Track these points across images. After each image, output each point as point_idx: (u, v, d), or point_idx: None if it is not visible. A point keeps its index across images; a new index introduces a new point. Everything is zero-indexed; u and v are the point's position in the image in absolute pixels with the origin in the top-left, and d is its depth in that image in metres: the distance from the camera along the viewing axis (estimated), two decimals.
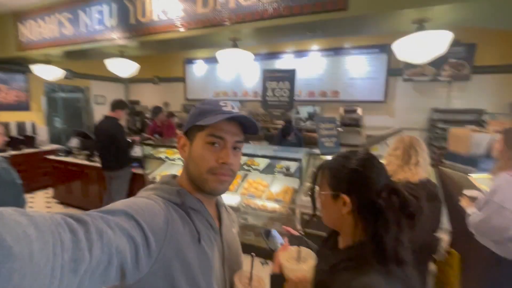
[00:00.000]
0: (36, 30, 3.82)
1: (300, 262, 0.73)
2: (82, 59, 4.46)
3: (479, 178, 2.08)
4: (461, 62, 4.13)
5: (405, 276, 0.62)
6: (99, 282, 0.43)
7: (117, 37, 3.20)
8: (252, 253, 0.72)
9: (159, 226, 0.55)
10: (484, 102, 4.13)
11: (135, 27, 3.07)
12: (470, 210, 1.61)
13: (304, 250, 0.76)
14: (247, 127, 0.70)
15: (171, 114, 5.41)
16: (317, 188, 0.79)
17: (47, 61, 4.11)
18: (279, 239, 0.92)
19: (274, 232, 0.86)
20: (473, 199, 1.65)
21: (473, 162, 2.13)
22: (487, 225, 1.47)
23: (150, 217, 0.54)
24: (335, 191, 0.71)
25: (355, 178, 0.69)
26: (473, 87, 4.19)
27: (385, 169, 0.71)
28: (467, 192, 1.70)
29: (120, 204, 0.54)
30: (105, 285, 0.45)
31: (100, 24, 3.29)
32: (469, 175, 2.10)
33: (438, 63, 4.13)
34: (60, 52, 3.82)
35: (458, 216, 2.04)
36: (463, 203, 1.71)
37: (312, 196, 0.78)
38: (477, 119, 4.04)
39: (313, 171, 0.80)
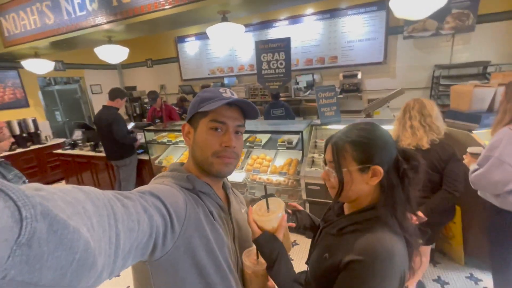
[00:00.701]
0: (19, 23, 3.68)
1: (272, 211, 0.72)
2: (71, 48, 4.33)
3: (482, 134, 2.06)
4: (465, 12, 3.89)
5: (410, 234, 0.68)
6: (140, 254, 0.48)
7: (101, 21, 3.08)
8: None
9: (180, 206, 0.60)
10: (490, 53, 3.95)
11: (118, 8, 2.94)
12: (472, 166, 1.61)
13: (271, 200, 0.75)
14: (247, 112, 0.73)
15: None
16: (329, 166, 0.75)
17: (35, 54, 4.01)
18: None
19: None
20: (476, 155, 1.63)
21: (475, 118, 2.10)
22: (488, 180, 1.48)
23: (171, 198, 0.58)
24: (365, 164, 0.69)
25: (382, 147, 0.70)
26: (478, 38, 3.98)
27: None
28: (470, 149, 1.69)
29: (144, 187, 0.59)
30: (142, 258, 0.51)
31: (82, 10, 3.15)
32: (471, 132, 2.08)
33: (440, 15, 3.90)
34: (46, 44, 3.71)
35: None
36: (466, 160, 1.71)
37: (340, 177, 0.71)
38: (482, 72, 3.90)
39: (334, 151, 0.73)
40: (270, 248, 0.69)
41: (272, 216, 0.70)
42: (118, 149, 3.23)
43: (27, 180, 1.71)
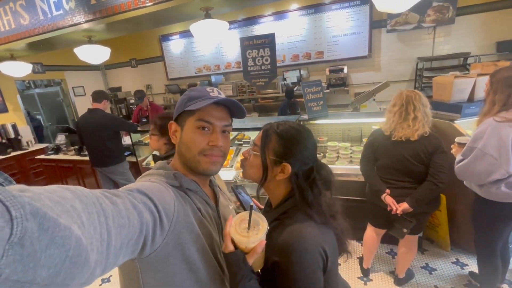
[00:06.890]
0: None
1: (252, 231, 0.64)
2: (50, 50, 4.15)
3: (464, 124, 2.12)
4: (445, 5, 3.97)
5: (334, 227, 0.75)
6: (130, 252, 0.47)
7: (79, 21, 2.97)
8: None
9: (168, 203, 0.59)
10: (470, 44, 4.06)
11: (97, 7, 2.84)
12: (458, 156, 1.63)
13: (254, 215, 0.66)
14: (234, 111, 0.74)
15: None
16: (253, 148, 0.81)
17: (11, 56, 3.84)
18: (245, 196, 0.94)
19: (241, 190, 0.87)
20: (463, 145, 1.62)
21: (457, 108, 2.15)
22: (472, 171, 1.50)
23: (159, 195, 0.58)
24: (278, 158, 0.74)
25: (300, 150, 0.74)
26: (458, 30, 4.09)
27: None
28: (458, 139, 1.70)
29: (131, 185, 0.58)
30: (132, 256, 0.50)
31: (58, 9, 3.02)
32: (453, 122, 2.13)
33: (421, 8, 3.98)
34: (23, 45, 3.55)
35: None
36: (453, 150, 1.73)
37: (265, 163, 0.77)
38: (463, 63, 4.01)
39: (263, 137, 0.79)
40: (236, 269, 0.63)
41: (251, 238, 0.62)
42: (113, 152, 3.05)
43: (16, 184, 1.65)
